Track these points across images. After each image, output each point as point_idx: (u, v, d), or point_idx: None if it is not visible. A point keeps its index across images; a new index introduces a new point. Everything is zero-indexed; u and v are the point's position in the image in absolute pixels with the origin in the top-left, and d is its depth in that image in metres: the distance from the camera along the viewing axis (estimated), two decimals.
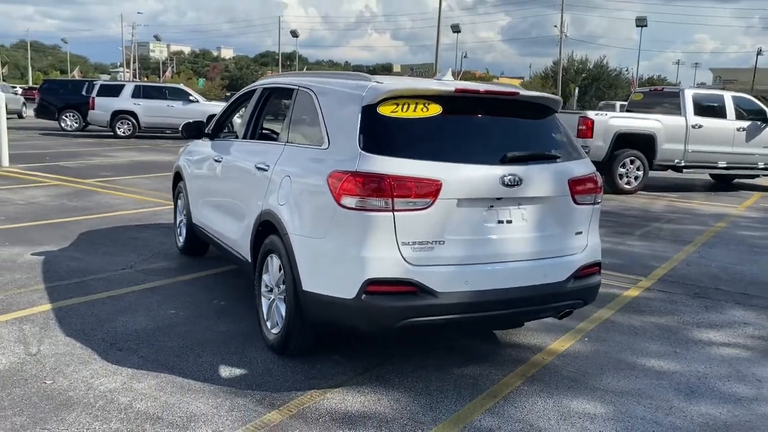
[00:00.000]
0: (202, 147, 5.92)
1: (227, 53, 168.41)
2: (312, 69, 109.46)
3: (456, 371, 4.00)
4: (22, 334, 4.32)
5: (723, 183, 14.97)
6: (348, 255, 3.45)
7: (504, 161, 3.66)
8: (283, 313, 3.94)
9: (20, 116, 31.78)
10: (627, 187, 12.62)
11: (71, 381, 3.66)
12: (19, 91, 36.88)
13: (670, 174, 13.95)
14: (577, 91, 56.83)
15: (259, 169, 4.41)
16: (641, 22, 50.64)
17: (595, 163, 12.23)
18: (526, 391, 3.79)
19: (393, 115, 3.59)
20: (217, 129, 5.84)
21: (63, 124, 23.93)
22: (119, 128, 21.85)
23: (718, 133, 13.13)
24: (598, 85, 72.07)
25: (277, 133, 4.77)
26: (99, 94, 21.77)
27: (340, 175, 3.47)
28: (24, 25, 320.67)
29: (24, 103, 32.68)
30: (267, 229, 4.15)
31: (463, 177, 3.52)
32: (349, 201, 3.42)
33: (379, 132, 3.58)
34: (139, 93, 22.19)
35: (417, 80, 4.59)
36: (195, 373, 3.82)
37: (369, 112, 3.59)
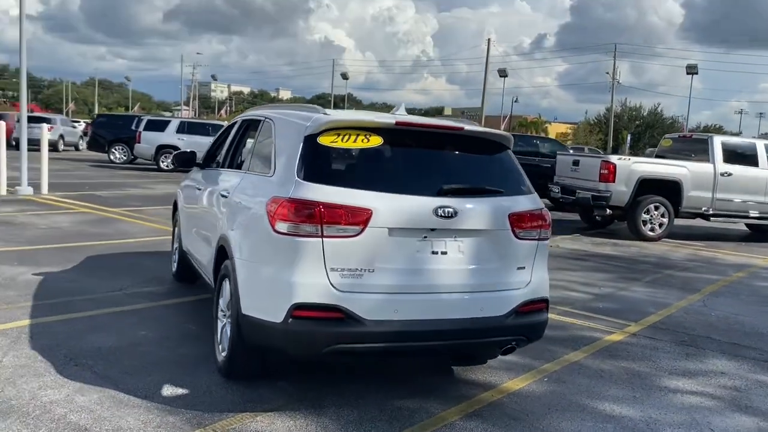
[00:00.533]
0: (194, 176, 6.14)
1: (285, 94, 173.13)
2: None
3: (397, 403, 3.99)
4: None
5: (758, 233, 14.46)
6: (278, 279, 3.54)
7: (439, 193, 3.71)
8: (229, 336, 4.03)
9: (76, 148, 33.32)
10: (650, 234, 12.33)
11: (18, 391, 3.81)
12: (82, 125, 38.67)
13: (702, 223, 13.58)
14: (629, 137, 56.10)
15: (222, 196, 4.57)
16: (692, 70, 50.00)
17: (616, 208, 11.92)
18: (459, 426, 3.74)
19: (332, 145, 3.69)
20: (207, 159, 6.05)
21: (112, 157, 25.00)
22: (162, 162, 22.65)
23: (748, 181, 12.75)
24: (652, 132, 70.93)
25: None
26: (146, 129, 22.72)
27: (276, 200, 3.58)
28: (95, 64, 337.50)
29: (81, 137, 34.23)
30: (223, 255, 4.27)
31: (395, 207, 3.58)
32: (282, 226, 3.52)
33: (317, 161, 3.69)
34: (184, 128, 23.04)
35: (364, 113, 4.68)
36: (138, 390, 3.93)
37: (310, 142, 3.71)
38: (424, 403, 4.03)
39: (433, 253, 3.69)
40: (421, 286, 3.65)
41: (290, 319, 3.48)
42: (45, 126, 13.79)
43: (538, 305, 4.03)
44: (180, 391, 3.99)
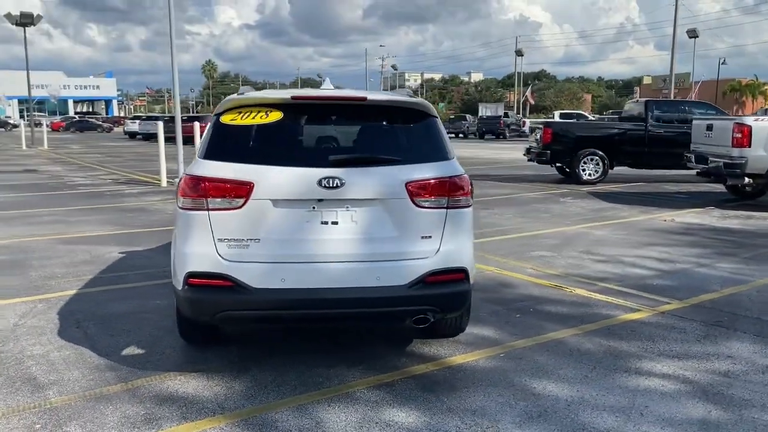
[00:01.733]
0: None
1: (477, 77, 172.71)
2: (557, 87, 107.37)
3: (319, 371, 4.10)
4: (28, 309, 5.39)
5: None
6: (179, 250, 3.84)
7: (327, 164, 3.74)
8: None
9: None
10: None
11: (14, 346, 4.54)
12: None
13: None
14: None
15: None
16: None
17: (756, 176, 10.57)
18: (359, 395, 3.77)
19: (231, 122, 3.90)
20: None
21: None
22: None
23: None
24: None
25: None
26: None
27: (182, 179, 3.88)
28: (304, 64, 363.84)
29: None
30: None
31: (278, 179, 3.69)
32: (182, 201, 3.81)
33: (216, 139, 3.91)
34: None
35: (272, 91, 4.60)
36: (104, 349, 4.48)
37: (216, 122, 3.95)
38: (346, 372, 4.09)
39: (323, 223, 3.74)
40: (309, 256, 3.72)
41: (186, 287, 3.77)
42: (197, 124, 15.49)
43: (450, 275, 3.88)
44: (138, 351, 4.47)
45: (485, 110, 56.01)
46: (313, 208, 3.73)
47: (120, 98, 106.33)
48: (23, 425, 3.39)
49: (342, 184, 3.68)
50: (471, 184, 4.02)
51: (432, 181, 3.82)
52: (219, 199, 3.69)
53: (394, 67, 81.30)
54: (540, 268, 6.90)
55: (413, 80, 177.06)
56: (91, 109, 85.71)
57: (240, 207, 3.69)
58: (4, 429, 3.36)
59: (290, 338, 4.69)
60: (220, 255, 3.71)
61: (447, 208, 3.85)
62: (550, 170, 16.95)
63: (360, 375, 4.04)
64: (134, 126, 45.08)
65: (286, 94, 4.00)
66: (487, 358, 4.35)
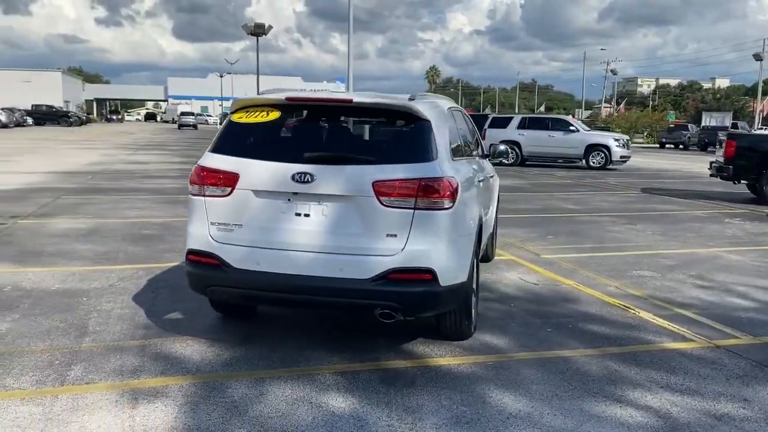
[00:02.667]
0: None
1: (722, 83, 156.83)
2: None
3: (304, 353, 4.40)
4: (130, 273, 6.40)
5: None
6: (186, 230, 4.40)
7: (301, 160, 4.03)
8: None
9: None
10: None
11: (94, 301, 5.48)
12: None
13: None
14: None
15: None
16: None
17: None
18: (320, 378, 4.01)
19: (238, 120, 4.36)
20: None
21: None
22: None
23: None
24: None
25: None
26: (490, 126, 24.30)
27: (194, 168, 4.44)
28: (531, 69, 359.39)
29: None
30: None
31: (258, 172, 4.07)
32: (190, 188, 4.37)
33: (224, 135, 4.40)
34: (525, 124, 23.88)
35: (281, 92, 4.78)
36: (155, 312, 5.23)
37: (227, 119, 4.45)
38: (325, 356, 4.35)
39: (297, 214, 4.04)
40: (283, 243, 4.05)
41: (187, 262, 4.32)
42: None
43: (415, 275, 3.96)
44: (177, 316, 5.16)
45: (710, 119, 50.88)
46: (289, 200, 4.05)
47: None
48: (47, 360, 4.17)
49: (312, 180, 3.96)
50: (454, 188, 4.05)
51: (398, 181, 3.93)
52: (213, 187, 4.18)
53: (613, 71, 76.98)
54: (625, 287, 6.45)
55: (646, 86, 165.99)
56: None
57: (228, 195, 4.14)
58: (34, 360, 4.16)
59: (307, 323, 5.05)
60: (211, 236, 4.19)
61: (414, 208, 3.94)
62: (743, 188, 15.18)
63: (335, 361, 4.28)
64: None
65: (282, 95, 4.36)
66: (472, 364, 4.31)
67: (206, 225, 4.22)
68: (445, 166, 4.10)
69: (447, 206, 4.03)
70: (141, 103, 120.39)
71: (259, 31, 37.76)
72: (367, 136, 4.31)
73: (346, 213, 4.00)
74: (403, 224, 3.94)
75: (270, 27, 38.41)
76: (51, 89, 74.99)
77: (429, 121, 4.20)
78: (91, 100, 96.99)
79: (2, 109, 52.19)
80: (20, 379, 3.86)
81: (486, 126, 24.34)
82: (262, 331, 4.85)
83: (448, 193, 4.01)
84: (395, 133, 4.23)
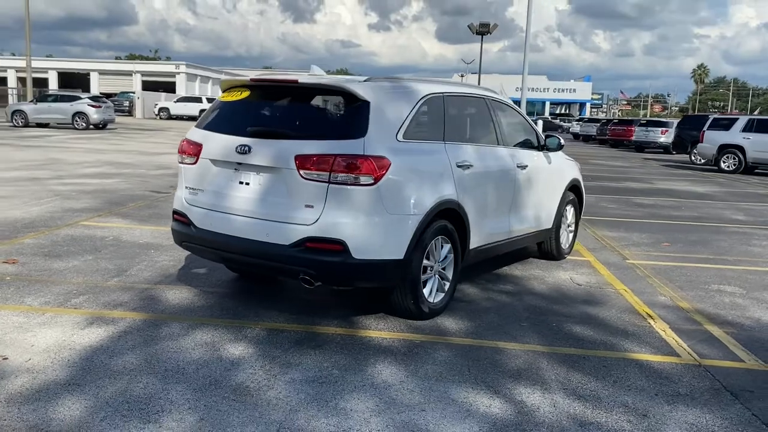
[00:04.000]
0: None
1: None
2: None
3: (267, 313, 4.88)
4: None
5: None
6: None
7: (244, 134, 4.47)
8: None
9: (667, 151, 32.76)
10: None
11: (165, 254, 6.52)
12: None
13: None
14: None
15: None
16: None
17: None
18: (244, 333, 4.45)
19: (222, 99, 4.94)
20: None
21: (693, 158, 24.94)
22: (724, 162, 21.41)
23: None
24: None
25: None
26: (710, 128, 21.92)
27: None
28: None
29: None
30: None
31: (215, 143, 4.60)
32: (177, 157, 5.07)
33: (207, 112, 5.01)
34: (752, 126, 21.10)
35: (258, 74, 5.12)
36: (191, 265, 6.08)
37: (217, 99, 5.07)
38: (274, 315, 4.77)
39: (240, 183, 4.50)
40: (228, 208, 4.53)
41: (172, 221, 5.04)
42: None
43: (327, 245, 4.18)
44: (200, 271, 5.93)
45: None
46: (236, 169, 4.54)
47: (598, 101, 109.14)
48: (68, 289, 5.20)
49: (249, 151, 4.40)
50: (378, 167, 4.18)
51: (316, 156, 4.18)
52: (186, 156, 4.83)
53: None
54: (680, 299, 5.79)
55: None
56: (566, 111, 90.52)
57: (194, 163, 4.76)
58: (61, 288, 5.21)
59: (298, 288, 5.49)
60: (184, 199, 4.85)
61: (329, 182, 4.17)
62: None
63: (274, 320, 4.68)
64: (576, 128, 46.64)
65: (249, 77, 4.84)
66: (398, 340, 4.40)
67: (183, 189, 4.89)
68: (375, 145, 4.24)
69: (366, 182, 4.18)
70: None
71: (483, 30, 38.22)
72: (306, 114, 4.59)
73: (275, 183, 4.37)
74: (319, 196, 4.20)
75: (495, 25, 38.63)
76: None
77: (366, 102, 4.36)
78: None
79: None
80: (35, 299, 4.90)
81: (705, 128, 22.02)
82: (252, 290, 5.41)
83: (367, 170, 4.16)
84: (332, 112, 4.46)
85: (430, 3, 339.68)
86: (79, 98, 30.75)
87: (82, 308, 4.75)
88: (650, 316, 5.23)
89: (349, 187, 4.16)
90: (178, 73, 59.24)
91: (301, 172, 4.22)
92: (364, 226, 4.22)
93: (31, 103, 31.16)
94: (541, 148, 6.48)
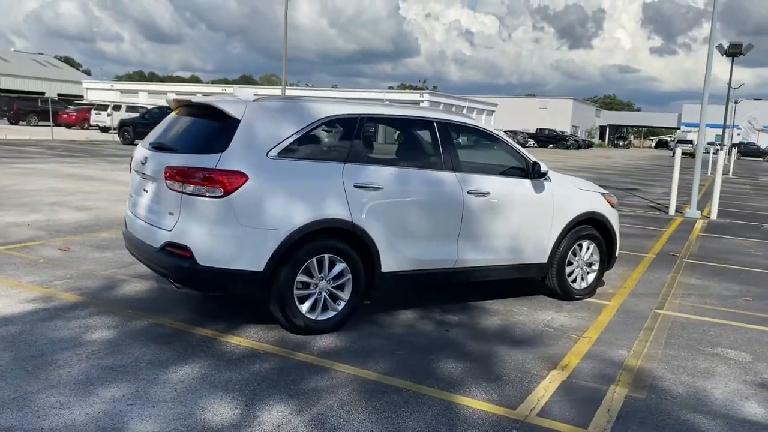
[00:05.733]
0: None
1: None
2: None
3: (190, 316, 5.40)
4: None
5: None
6: None
7: (149, 147, 5.02)
8: None
9: None
10: None
11: None
12: None
13: None
14: None
15: None
16: None
17: None
18: (151, 328, 5.02)
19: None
20: None
21: None
22: None
23: None
24: None
25: None
26: None
27: None
28: None
29: None
30: None
31: (136, 155, 5.23)
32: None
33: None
34: None
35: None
36: None
37: None
38: (195, 318, 5.25)
39: (143, 190, 5.08)
40: (137, 212, 5.10)
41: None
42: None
43: (178, 250, 4.54)
44: None
45: None
46: (143, 178, 5.13)
47: None
48: (60, 273, 6.25)
49: (146, 162, 4.96)
50: (231, 180, 4.45)
51: (176, 168, 4.58)
52: (130, 166, 5.56)
53: None
54: (640, 357, 4.99)
55: None
56: None
57: (130, 171, 5.46)
58: (57, 272, 6.29)
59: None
60: (128, 203, 5.58)
61: (182, 193, 4.55)
62: None
63: (176, 320, 5.15)
64: None
65: (174, 97, 5.38)
66: (247, 349, 4.58)
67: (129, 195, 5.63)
68: (232, 160, 4.51)
69: (215, 195, 4.47)
70: (656, 130, 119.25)
71: (734, 51, 34.22)
72: (191, 130, 4.94)
73: (156, 191, 4.86)
74: (177, 205, 4.59)
75: (750, 46, 34.32)
76: (562, 115, 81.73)
77: (236, 120, 4.65)
78: (604, 126, 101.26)
79: (506, 131, 59.80)
80: (30, 277, 6.01)
81: None
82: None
83: (216, 183, 4.45)
84: (208, 129, 4.79)
85: (726, 23, 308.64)
86: None
87: (48, 287, 5.71)
88: (564, 366, 4.63)
89: (198, 198, 4.50)
90: (422, 100, 62.46)
91: (167, 182, 4.66)
92: (211, 235, 4.50)
93: None
94: (533, 176, 6.02)
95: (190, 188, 4.51)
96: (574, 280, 6.44)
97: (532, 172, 5.96)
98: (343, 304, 5.00)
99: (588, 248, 6.49)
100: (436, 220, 5.42)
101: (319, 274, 4.86)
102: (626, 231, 11.42)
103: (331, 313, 4.96)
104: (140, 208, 5.10)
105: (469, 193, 5.53)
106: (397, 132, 5.83)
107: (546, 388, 4.22)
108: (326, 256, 4.84)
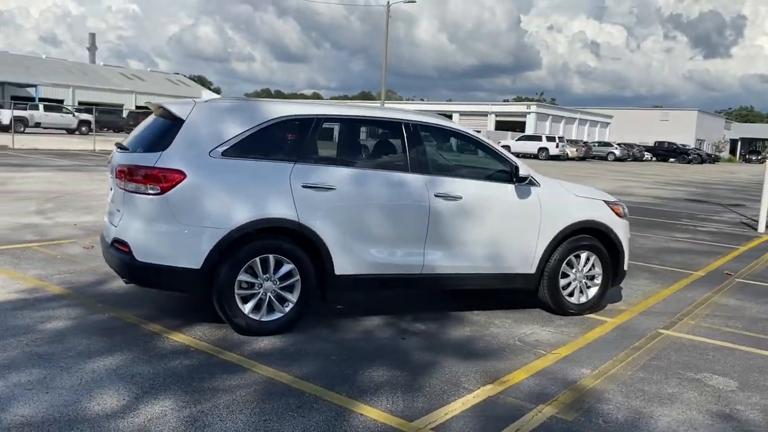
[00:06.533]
0: None
1: None
2: None
3: (150, 311, 5.57)
4: None
5: None
6: None
7: (118, 148, 5.22)
8: None
9: None
10: None
11: None
12: None
13: None
14: None
15: None
16: None
17: None
18: (106, 319, 5.23)
19: None
20: None
21: None
22: None
23: None
24: None
25: None
26: None
27: None
28: None
29: None
30: None
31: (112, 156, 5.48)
32: None
33: None
34: None
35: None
36: None
37: None
38: (155, 315, 5.41)
39: (110, 189, 5.28)
40: (110, 209, 5.35)
41: None
42: None
43: (121, 246, 4.68)
44: None
45: None
46: (111, 178, 5.34)
47: None
48: (77, 269, 6.64)
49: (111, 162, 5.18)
50: (167, 178, 4.55)
51: (122, 167, 4.73)
52: None
53: None
54: (599, 378, 4.57)
55: None
56: None
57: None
58: (80, 266, 6.68)
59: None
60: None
61: (125, 190, 4.69)
62: None
63: (137, 315, 5.31)
64: None
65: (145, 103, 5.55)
66: (181, 346, 4.64)
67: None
68: (172, 159, 4.61)
69: (152, 192, 4.58)
70: None
71: None
72: (149, 131, 5.03)
73: (114, 190, 5.05)
74: (122, 202, 4.75)
75: None
76: (685, 127, 76.83)
77: (180, 119, 4.75)
78: (736, 140, 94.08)
79: (618, 144, 57.20)
80: (36, 271, 6.42)
81: None
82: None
83: (153, 180, 4.56)
84: (159, 128, 4.88)
85: None
86: None
87: (43, 280, 6.08)
88: (503, 382, 4.31)
89: (138, 195, 4.63)
90: (529, 113, 61.11)
91: (116, 180, 4.83)
92: (148, 232, 4.61)
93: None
94: (514, 180, 5.69)
95: (131, 186, 4.65)
96: (571, 294, 5.99)
97: (514, 176, 5.63)
98: (291, 305, 4.94)
99: (588, 260, 6.02)
100: (399, 223, 5.24)
101: (264, 274, 4.83)
102: (689, 247, 10.56)
103: (277, 315, 4.91)
104: (108, 207, 5.31)
105: (437, 196, 5.31)
106: (363, 133, 5.71)
107: (465, 402, 3.94)
108: (271, 256, 4.81)
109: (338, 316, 5.51)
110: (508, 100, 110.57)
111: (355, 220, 5.06)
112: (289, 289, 4.93)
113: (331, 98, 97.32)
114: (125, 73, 77.77)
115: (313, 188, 4.89)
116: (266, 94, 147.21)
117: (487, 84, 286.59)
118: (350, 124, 5.53)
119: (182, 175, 4.58)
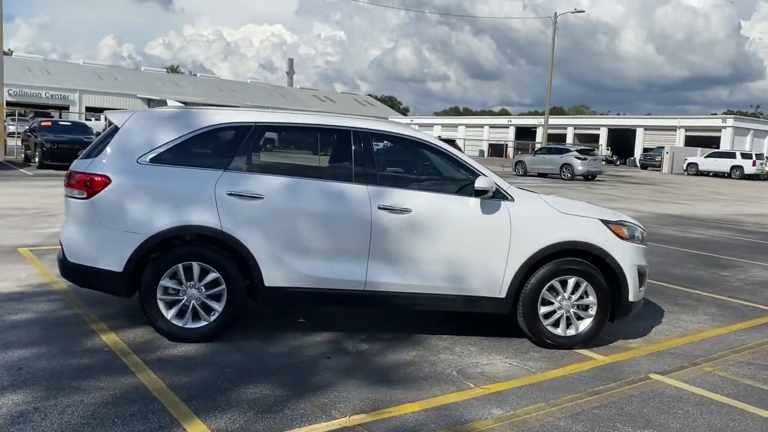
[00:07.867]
0: None
1: None
2: None
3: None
4: None
5: None
6: None
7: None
8: None
9: None
10: None
11: None
12: None
13: None
14: None
15: None
16: None
17: None
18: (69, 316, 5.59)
19: None
20: None
21: None
22: None
23: None
24: None
25: None
26: None
27: None
28: None
29: None
30: None
31: None
32: None
33: None
34: None
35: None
36: None
37: None
38: (123, 326, 5.68)
39: None
40: None
41: None
42: None
43: (60, 246, 4.97)
44: None
45: None
46: None
47: None
48: None
49: None
50: (92, 183, 4.75)
51: (71, 173, 5.00)
52: None
53: None
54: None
55: None
56: None
57: None
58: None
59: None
60: None
61: (66, 195, 4.98)
62: None
63: (100, 314, 5.59)
64: None
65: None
66: (104, 347, 4.82)
67: None
68: (102, 165, 4.80)
69: (80, 196, 4.80)
70: None
71: None
72: (99, 140, 5.20)
73: None
74: (65, 205, 5.05)
75: None
76: None
77: (116, 127, 4.94)
78: None
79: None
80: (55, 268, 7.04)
81: None
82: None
83: (81, 185, 4.79)
84: (103, 137, 5.04)
85: None
86: (568, 151, 32.87)
87: (55, 277, 6.62)
88: (381, 413, 3.90)
89: (71, 199, 4.88)
90: (725, 127, 55.03)
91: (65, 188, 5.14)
92: (76, 233, 4.84)
93: (530, 155, 34.98)
94: (475, 193, 5.14)
95: (67, 190, 4.92)
96: (556, 324, 5.25)
97: (473, 189, 5.07)
98: (216, 314, 4.89)
99: (577, 286, 5.24)
100: (336, 236, 4.97)
101: (189, 281, 4.83)
102: None
103: (202, 323, 4.89)
104: None
105: (380, 208, 4.96)
106: (309, 141, 5.49)
107: (311, 430, 3.60)
108: (195, 263, 4.81)
109: (284, 330, 5.34)
110: (715, 113, 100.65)
111: (285, 231, 4.88)
112: (216, 297, 4.88)
113: (519, 114, 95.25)
114: (318, 95, 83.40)
115: (239, 196, 4.81)
116: (454, 112, 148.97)
117: (700, 97, 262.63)
118: (293, 131, 5.37)
119: (107, 180, 4.74)
